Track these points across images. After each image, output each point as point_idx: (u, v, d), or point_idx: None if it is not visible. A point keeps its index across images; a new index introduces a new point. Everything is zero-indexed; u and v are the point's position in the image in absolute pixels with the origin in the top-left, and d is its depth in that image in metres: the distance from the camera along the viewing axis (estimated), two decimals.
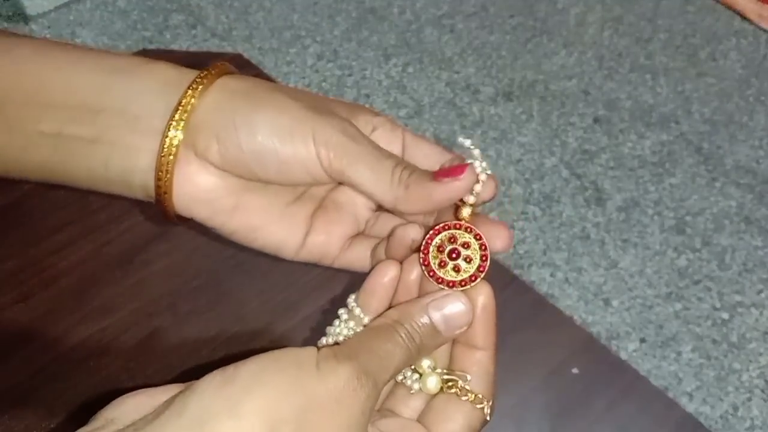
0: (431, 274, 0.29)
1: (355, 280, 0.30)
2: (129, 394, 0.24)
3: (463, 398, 0.28)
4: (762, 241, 1.20)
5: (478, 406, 0.28)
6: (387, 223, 0.32)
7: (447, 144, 1.31)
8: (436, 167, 0.30)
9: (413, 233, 0.29)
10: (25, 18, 1.51)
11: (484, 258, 0.29)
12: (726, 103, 1.41)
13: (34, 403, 0.37)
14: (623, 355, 1.05)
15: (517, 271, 1.15)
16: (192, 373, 0.38)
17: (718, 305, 1.12)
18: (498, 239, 0.29)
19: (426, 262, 0.29)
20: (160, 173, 0.29)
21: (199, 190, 0.30)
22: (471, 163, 0.29)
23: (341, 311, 0.29)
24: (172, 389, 0.23)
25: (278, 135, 0.28)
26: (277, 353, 0.23)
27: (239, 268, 0.42)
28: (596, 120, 1.38)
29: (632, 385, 0.39)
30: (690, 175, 1.29)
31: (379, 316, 0.28)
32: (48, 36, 1.49)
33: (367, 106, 0.33)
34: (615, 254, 1.18)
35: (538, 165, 1.30)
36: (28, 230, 0.43)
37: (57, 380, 0.37)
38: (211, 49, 1.50)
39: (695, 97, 1.42)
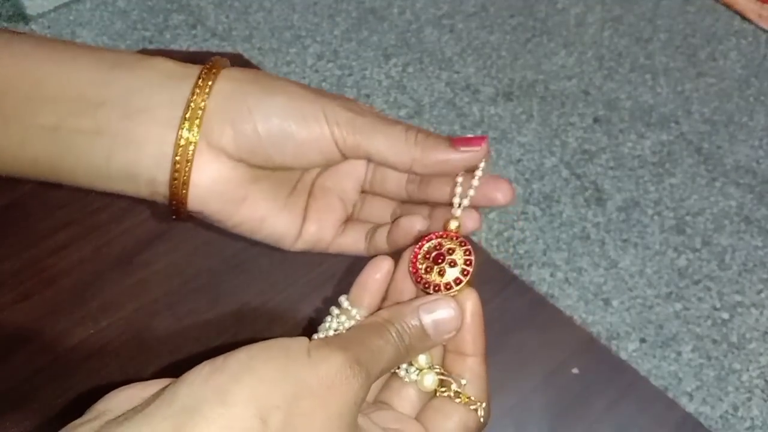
0: (418, 278, 0.29)
1: (353, 281, 0.30)
2: (121, 387, 0.24)
3: (457, 401, 0.28)
4: (762, 241, 1.20)
5: (472, 407, 0.28)
6: (374, 205, 0.34)
7: None
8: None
9: (419, 224, 0.31)
10: (25, 18, 1.51)
11: (468, 263, 0.29)
12: (726, 103, 1.41)
13: (34, 403, 0.37)
14: (623, 355, 1.05)
15: (517, 271, 1.15)
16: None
17: (718, 305, 1.12)
18: (499, 192, 0.31)
19: (414, 268, 0.29)
20: (176, 174, 0.29)
21: (212, 182, 0.30)
22: (485, 137, 0.31)
23: (333, 308, 0.29)
24: (163, 382, 0.23)
25: (293, 117, 0.29)
26: (267, 342, 0.23)
27: (239, 268, 0.42)
28: (596, 120, 1.38)
29: (632, 385, 0.39)
30: (690, 175, 1.29)
31: (370, 315, 0.29)
32: (48, 36, 1.49)
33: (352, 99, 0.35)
34: (615, 254, 1.18)
35: (538, 165, 1.30)
36: (28, 230, 0.43)
37: (57, 380, 0.37)
38: (211, 49, 1.50)
39: (695, 97, 1.42)
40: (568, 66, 1.47)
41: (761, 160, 1.32)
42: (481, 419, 0.28)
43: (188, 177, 0.29)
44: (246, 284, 0.42)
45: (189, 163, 0.29)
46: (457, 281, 0.29)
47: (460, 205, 0.31)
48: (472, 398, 0.28)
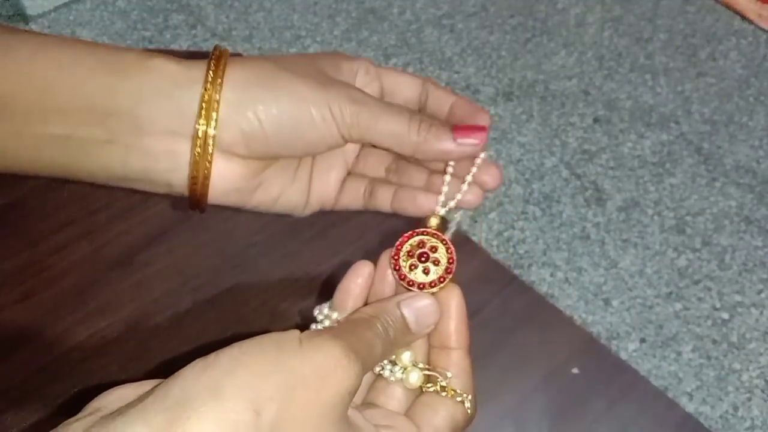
0: (402, 277, 0.30)
1: None
2: (116, 387, 0.24)
3: (443, 394, 0.28)
4: (762, 241, 1.20)
5: (458, 399, 0.28)
6: (369, 158, 0.35)
7: None
8: (413, 94, 0.34)
9: (428, 203, 0.33)
10: (25, 18, 1.51)
11: (450, 261, 0.30)
12: (726, 103, 1.41)
13: (34, 403, 0.37)
14: (623, 355, 1.05)
15: (517, 271, 1.15)
16: None
17: (718, 305, 1.12)
18: (488, 176, 0.33)
19: (397, 266, 0.30)
20: (195, 174, 0.30)
21: (230, 182, 0.31)
22: (486, 126, 0.32)
23: (316, 313, 0.30)
24: (157, 381, 0.23)
25: (302, 121, 0.30)
26: (258, 337, 0.23)
27: (239, 268, 0.42)
28: (596, 120, 1.38)
29: (632, 385, 0.39)
30: (690, 175, 1.29)
31: (353, 312, 0.29)
32: None
33: (343, 53, 0.35)
34: (615, 254, 1.18)
35: (538, 165, 1.30)
36: (28, 230, 0.43)
37: (57, 380, 0.37)
38: (211, 49, 1.49)
39: (695, 97, 1.42)
40: (568, 66, 1.47)
41: (761, 160, 1.32)
42: (468, 411, 0.29)
43: (209, 172, 0.30)
44: (246, 284, 0.42)
45: (210, 157, 0.30)
46: (441, 279, 0.30)
47: (445, 205, 0.32)
48: (458, 391, 0.29)
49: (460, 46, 1.50)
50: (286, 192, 0.33)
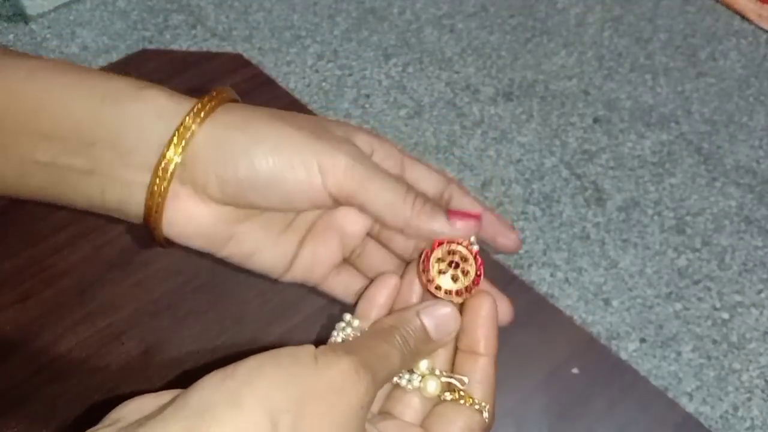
0: (429, 280, 0.30)
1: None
2: (134, 397, 0.24)
3: (461, 402, 0.28)
4: (762, 241, 1.20)
5: (476, 408, 0.28)
6: (374, 255, 0.33)
7: (447, 144, 1.32)
8: (432, 193, 0.32)
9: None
10: (25, 18, 1.51)
11: (479, 273, 0.30)
12: (726, 103, 1.41)
13: (34, 403, 0.37)
14: (623, 355, 1.05)
15: (517, 271, 1.15)
16: (192, 374, 0.38)
17: (718, 305, 1.12)
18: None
19: (426, 269, 0.30)
20: (151, 195, 0.29)
21: (197, 224, 0.30)
22: (480, 214, 0.31)
23: (339, 324, 0.29)
24: (175, 392, 0.23)
25: (280, 168, 0.28)
26: (275, 351, 0.24)
27: (239, 268, 0.42)
28: (596, 120, 1.38)
29: (632, 385, 0.39)
30: (690, 175, 1.29)
31: (373, 323, 0.29)
32: (48, 36, 1.49)
33: (365, 128, 0.33)
34: (615, 254, 1.18)
35: (538, 165, 1.30)
36: (28, 230, 0.43)
37: (57, 380, 0.37)
38: (211, 49, 1.50)
39: (695, 97, 1.42)
40: (568, 66, 1.47)
41: (761, 160, 1.32)
42: (486, 420, 0.28)
43: (162, 206, 0.29)
44: (246, 284, 0.42)
45: (164, 192, 0.28)
46: (468, 289, 0.30)
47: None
48: (477, 399, 0.28)
49: (460, 46, 1.50)
50: (263, 252, 0.32)
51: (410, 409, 0.29)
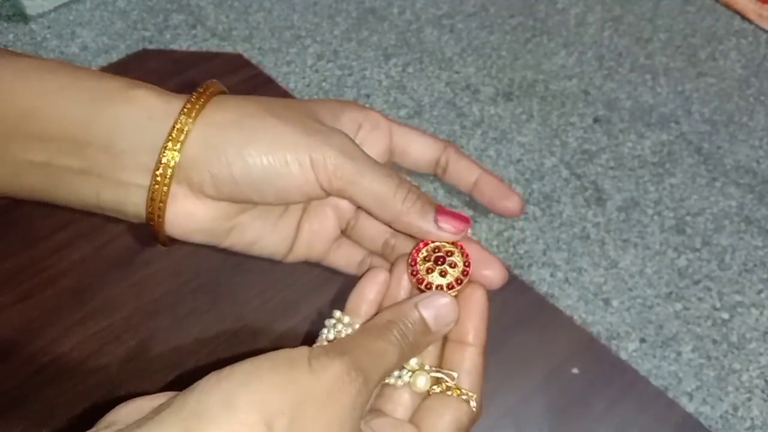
0: (419, 281, 0.30)
1: (353, 281, 0.31)
2: (130, 400, 0.24)
3: (448, 393, 0.28)
4: (762, 241, 1.20)
5: (464, 398, 0.28)
6: (368, 225, 0.34)
7: None
8: (427, 159, 0.33)
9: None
10: (25, 18, 1.51)
11: (467, 264, 0.30)
12: (726, 103, 1.41)
13: (34, 403, 0.37)
14: (623, 355, 1.05)
15: (517, 271, 1.15)
16: (192, 374, 0.38)
17: (718, 305, 1.12)
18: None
19: (414, 271, 0.30)
20: (152, 200, 0.29)
21: (197, 222, 0.30)
22: (469, 220, 0.31)
23: (328, 320, 0.29)
24: (170, 394, 0.23)
25: (273, 166, 0.29)
26: (270, 354, 0.24)
27: (239, 268, 0.42)
28: (596, 120, 1.38)
29: (632, 385, 0.39)
30: (690, 175, 1.29)
31: (370, 318, 0.29)
32: (48, 36, 1.49)
33: (353, 101, 0.33)
34: (615, 254, 1.18)
35: (538, 165, 1.30)
36: (28, 230, 0.43)
37: (57, 380, 0.37)
38: (211, 49, 1.50)
39: (695, 97, 1.42)
40: (568, 66, 1.47)
41: (761, 160, 1.32)
42: (474, 410, 0.29)
43: (164, 209, 0.29)
44: (246, 284, 0.42)
45: (164, 195, 0.29)
46: (459, 281, 0.30)
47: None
48: (464, 390, 0.29)
49: (460, 46, 1.50)
50: (264, 239, 0.32)
51: (401, 405, 0.29)
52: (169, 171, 0.28)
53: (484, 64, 1.47)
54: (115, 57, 1.45)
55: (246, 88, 0.52)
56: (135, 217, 0.30)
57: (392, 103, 1.39)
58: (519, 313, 0.41)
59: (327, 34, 1.52)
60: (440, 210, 0.31)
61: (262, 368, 0.23)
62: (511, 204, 0.32)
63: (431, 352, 0.30)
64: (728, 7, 1.59)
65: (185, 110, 0.29)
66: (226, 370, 0.23)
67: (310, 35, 1.51)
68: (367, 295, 0.30)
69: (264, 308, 0.41)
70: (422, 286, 0.30)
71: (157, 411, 0.22)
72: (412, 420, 0.29)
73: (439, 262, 0.30)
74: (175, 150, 0.28)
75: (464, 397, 0.29)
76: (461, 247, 0.31)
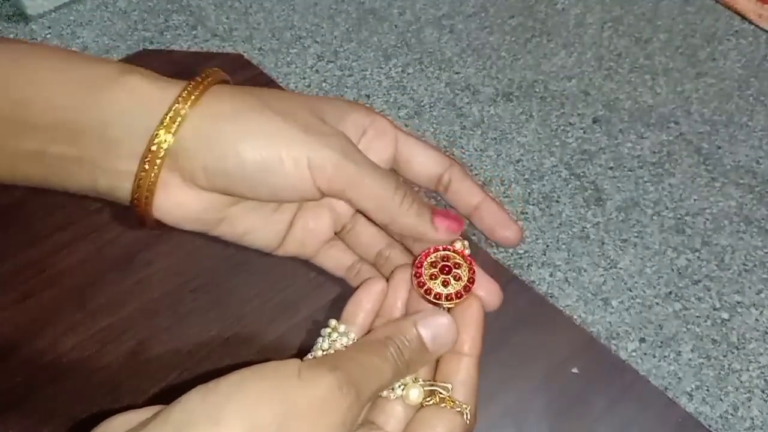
0: (421, 284, 0.30)
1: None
2: (117, 414, 0.24)
3: (441, 405, 0.28)
4: (762, 241, 1.20)
5: (457, 410, 0.28)
6: (364, 231, 0.34)
7: (447, 145, 1.31)
8: (430, 173, 0.32)
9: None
10: (25, 18, 1.51)
11: (471, 280, 0.30)
12: (726, 103, 1.41)
13: (34, 403, 0.37)
14: (623, 355, 1.05)
15: (517, 271, 1.15)
16: (192, 374, 0.38)
17: (717, 305, 1.12)
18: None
19: (418, 273, 0.30)
20: (139, 186, 0.28)
21: (187, 211, 0.30)
22: (462, 221, 0.31)
23: (324, 329, 0.29)
24: (160, 407, 0.23)
25: (269, 162, 0.28)
26: (258, 365, 0.24)
27: (239, 268, 0.42)
28: (596, 120, 1.38)
29: (632, 384, 0.39)
30: (690, 175, 1.29)
31: (367, 333, 0.29)
32: (48, 37, 1.49)
33: (362, 103, 0.33)
34: (614, 254, 1.18)
35: (537, 165, 1.30)
36: (28, 230, 0.43)
37: (57, 380, 0.37)
38: (212, 49, 1.50)
39: (695, 97, 1.42)
40: (568, 66, 1.47)
41: (761, 160, 1.32)
42: (467, 422, 0.28)
43: (153, 186, 0.29)
44: (246, 284, 0.42)
45: (155, 177, 0.28)
46: (458, 295, 0.30)
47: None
48: (458, 401, 0.28)
49: (460, 46, 1.50)
50: (256, 231, 0.32)
51: (393, 417, 0.28)
52: (162, 152, 0.28)
53: (483, 65, 1.47)
54: (115, 57, 1.46)
55: None
56: (129, 203, 0.30)
57: (392, 103, 1.39)
58: (519, 313, 0.41)
59: (327, 34, 1.52)
60: (436, 212, 0.31)
61: (248, 380, 0.23)
62: (511, 234, 0.31)
63: (425, 368, 0.30)
64: (728, 7, 1.59)
65: (180, 99, 0.28)
66: (213, 383, 0.23)
67: (310, 36, 1.51)
68: (364, 305, 0.30)
69: (264, 308, 0.41)
70: (422, 290, 0.30)
71: (144, 424, 0.22)
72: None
73: (445, 271, 0.30)
74: (170, 133, 0.28)
75: (458, 409, 0.28)
76: (470, 263, 0.31)
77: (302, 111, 0.29)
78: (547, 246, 1.18)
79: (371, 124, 0.31)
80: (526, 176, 1.28)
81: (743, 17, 1.57)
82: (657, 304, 1.12)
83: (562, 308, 0.42)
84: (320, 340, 0.29)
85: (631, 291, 1.13)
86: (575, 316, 1.09)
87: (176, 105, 0.28)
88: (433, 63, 1.47)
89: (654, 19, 1.57)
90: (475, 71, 1.45)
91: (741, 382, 1.04)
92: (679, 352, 1.07)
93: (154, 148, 0.28)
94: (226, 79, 0.31)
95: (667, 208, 1.24)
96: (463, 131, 1.35)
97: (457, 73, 1.45)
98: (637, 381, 0.39)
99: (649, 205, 1.25)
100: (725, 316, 1.11)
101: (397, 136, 0.32)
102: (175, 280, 0.42)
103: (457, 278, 0.30)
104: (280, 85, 0.54)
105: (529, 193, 1.25)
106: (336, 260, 0.34)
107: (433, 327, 0.28)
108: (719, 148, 1.34)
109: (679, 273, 1.16)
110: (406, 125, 1.35)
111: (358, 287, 0.31)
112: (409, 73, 1.45)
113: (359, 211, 0.32)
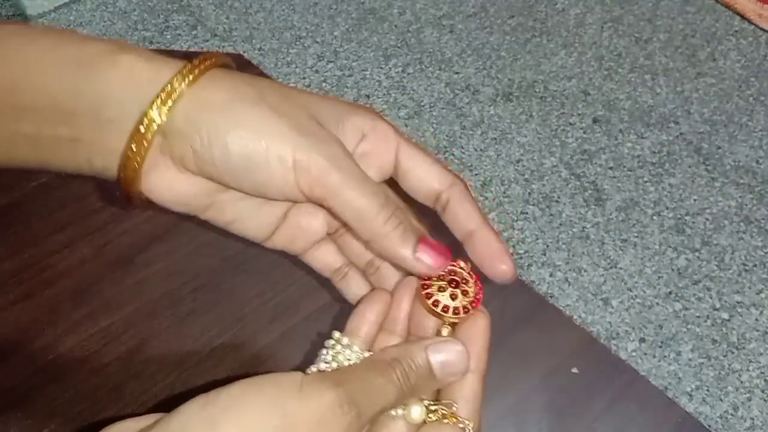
0: (428, 295, 0.29)
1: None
2: (115, 422, 0.24)
3: (444, 421, 0.28)
4: (762, 241, 1.20)
5: (460, 426, 0.28)
6: (354, 242, 0.33)
7: (447, 145, 1.32)
8: (427, 189, 0.30)
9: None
10: (25, 18, 1.51)
11: (477, 296, 0.30)
12: (726, 103, 1.41)
13: (34, 403, 0.37)
14: (623, 355, 1.05)
15: (516, 271, 1.15)
16: (191, 373, 0.38)
17: (717, 305, 1.12)
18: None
19: (426, 285, 0.30)
20: (128, 157, 0.28)
21: (177, 194, 0.30)
22: (450, 254, 0.30)
23: (328, 341, 0.29)
24: (157, 416, 0.23)
25: (253, 156, 0.27)
26: (259, 377, 0.23)
27: (239, 268, 0.42)
28: (595, 120, 1.38)
29: (632, 384, 0.39)
30: (689, 175, 1.29)
31: (375, 349, 0.29)
32: None
33: (368, 107, 0.31)
34: (614, 254, 1.18)
35: (537, 165, 1.30)
36: (28, 230, 0.43)
37: (57, 380, 0.37)
38: (212, 49, 1.50)
39: (695, 97, 1.42)
40: (568, 66, 1.47)
41: (761, 160, 1.32)
42: None
43: (142, 161, 0.28)
44: (246, 284, 0.42)
45: (147, 143, 0.28)
46: (465, 309, 0.29)
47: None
48: (461, 418, 0.28)
49: (459, 46, 1.50)
50: (244, 221, 0.31)
51: None
52: (151, 133, 0.27)
53: (483, 65, 1.47)
54: None
55: None
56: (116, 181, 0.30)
57: (392, 103, 1.39)
58: (519, 313, 0.41)
59: (327, 34, 1.52)
60: (423, 240, 0.29)
61: (248, 393, 0.22)
62: (504, 267, 0.29)
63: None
64: (728, 7, 1.59)
65: (175, 80, 0.27)
66: (212, 394, 0.22)
67: (310, 36, 1.51)
68: (367, 317, 0.29)
69: (264, 308, 0.41)
70: (430, 302, 0.29)
71: None
72: None
73: (453, 285, 0.30)
74: (161, 111, 0.27)
75: (461, 425, 0.28)
76: (477, 279, 0.30)
77: (298, 110, 0.29)
78: (547, 246, 1.18)
79: (372, 129, 0.30)
80: (526, 176, 1.28)
81: (743, 17, 1.57)
82: (657, 304, 1.12)
83: (562, 308, 0.42)
84: (324, 351, 0.28)
85: (631, 291, 1.13)
86: (575, 316, 1.09)
87: (168, 86, 0.27)
88: (433, 63, 1.47)
89: (654, 19, 1.57)
90: (475, 71, 1.45)
91: (741, 382, 1.04)
92: (679, 352, 1.07)
93: (142, 128, 0.27)
94: (229, 64, 0.30)
95: (667, 208, 1.24)
96: (463, 131, 1.35)
97: (457, 73, 1.45)
98: (637, 381, 0.39)
99: (649, 205, 1.25)
100: (725, 316, 1.11)
101: (399, 144, 0.30)
102: (175, 280, 0.42)
103: (465, 293, 0.30)
104: None
105: (529, 193, 1.25)
106: (324, 261, 0.34)
107: (444, 353, 0.27)
108: (719, 148, 1.34)
109: (679, 273, 1.16)
110: (406, 125, 1.35)
111: (360, 300, 0.30)
112: (408, 73, 1.45)
113: (341, 223, 0.31)
